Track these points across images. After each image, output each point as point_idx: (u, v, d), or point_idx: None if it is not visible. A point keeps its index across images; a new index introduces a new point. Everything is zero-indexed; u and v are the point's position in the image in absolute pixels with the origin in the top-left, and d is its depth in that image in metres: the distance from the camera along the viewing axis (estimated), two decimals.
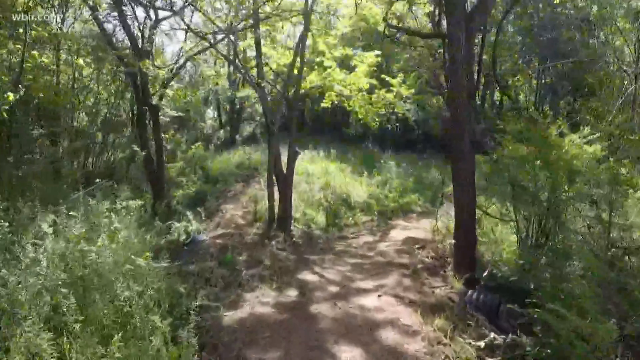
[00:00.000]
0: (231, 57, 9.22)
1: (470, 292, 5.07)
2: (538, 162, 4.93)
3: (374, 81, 9.74)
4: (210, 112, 24.79)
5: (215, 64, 21.33)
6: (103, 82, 10.91)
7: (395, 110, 10.18)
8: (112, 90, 10.90)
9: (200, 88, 21.10)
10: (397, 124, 10.19)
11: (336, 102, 10.27)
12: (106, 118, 10.83)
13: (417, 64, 17.43)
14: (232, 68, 19.49)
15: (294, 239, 7.63)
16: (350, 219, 8.77)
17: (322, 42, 9.58)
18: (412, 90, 10.09)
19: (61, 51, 9.38)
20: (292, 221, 8.14)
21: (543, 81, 16.90)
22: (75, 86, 10.04)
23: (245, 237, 7.61)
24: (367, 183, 11.09)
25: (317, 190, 10.52)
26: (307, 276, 6.10)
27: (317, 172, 11.97)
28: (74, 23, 10.34)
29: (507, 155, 5.35)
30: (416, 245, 7.25)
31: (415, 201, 9.95)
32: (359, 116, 10.15)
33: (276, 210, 7.98)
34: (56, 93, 8.57)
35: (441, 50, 8.86)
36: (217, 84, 21.45)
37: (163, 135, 13.69)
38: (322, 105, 10.46)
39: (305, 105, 25.30)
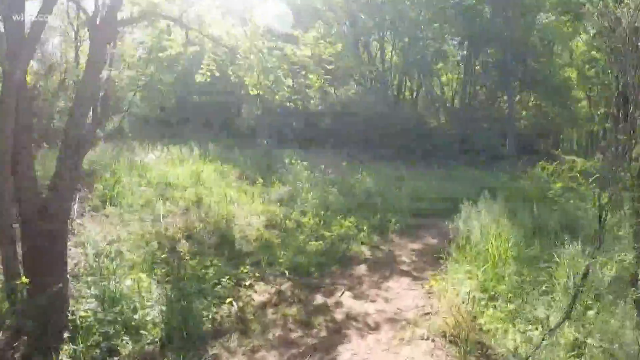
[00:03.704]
0: None
1: None
2: None
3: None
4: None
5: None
6: None
7: (309, 82, 6.38)
8: None
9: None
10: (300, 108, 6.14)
11: (217, 73, 6.01)
12: None
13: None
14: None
15: None
16: (230, 301, 3.67)
17: None
18: (339, 48, 6.20)
19: None
20: (66, 334, 3.02)
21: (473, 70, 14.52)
22: None
23: None
24: (264, 198, 6.89)
25: (178, 213, 6.05)
26: None
27: (186, 179, 7.46)
28: None
29: None
30: None
31: (354, 232, 5.58)
32: (250, 89, 6.01)
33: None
34: None
35: None
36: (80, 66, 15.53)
37: None
38: (197, 78, 6.03)
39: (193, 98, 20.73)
